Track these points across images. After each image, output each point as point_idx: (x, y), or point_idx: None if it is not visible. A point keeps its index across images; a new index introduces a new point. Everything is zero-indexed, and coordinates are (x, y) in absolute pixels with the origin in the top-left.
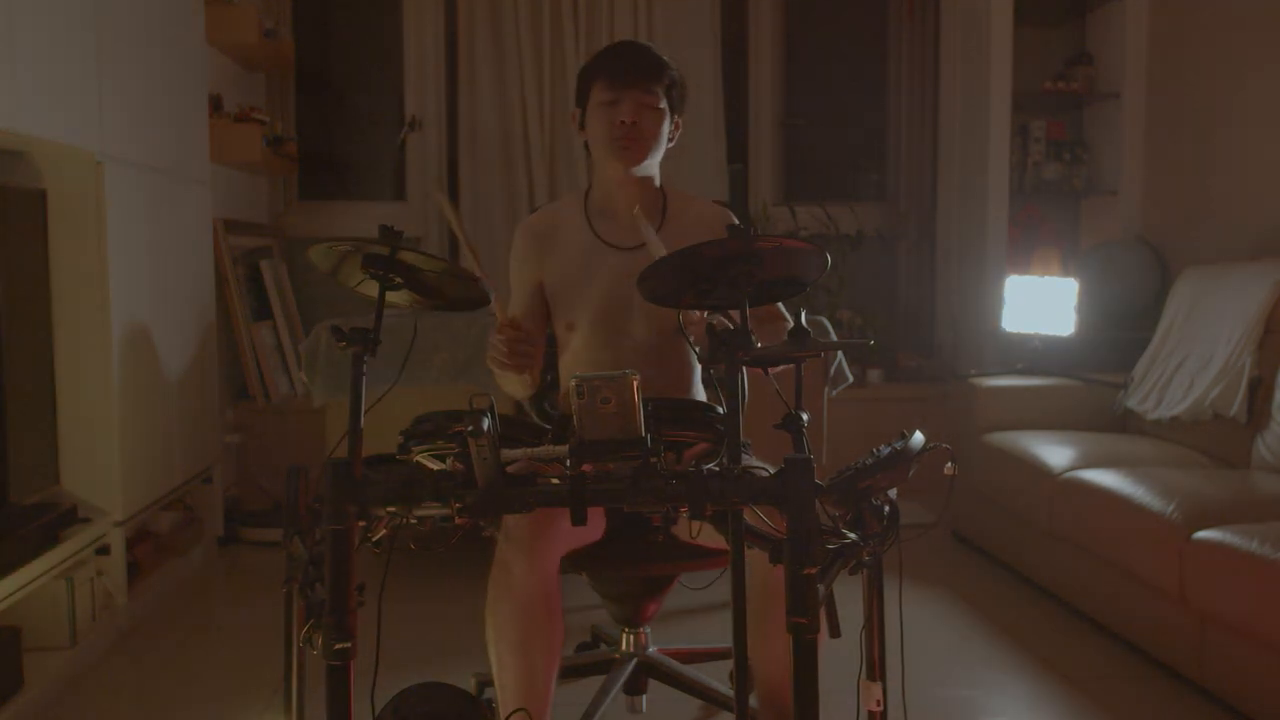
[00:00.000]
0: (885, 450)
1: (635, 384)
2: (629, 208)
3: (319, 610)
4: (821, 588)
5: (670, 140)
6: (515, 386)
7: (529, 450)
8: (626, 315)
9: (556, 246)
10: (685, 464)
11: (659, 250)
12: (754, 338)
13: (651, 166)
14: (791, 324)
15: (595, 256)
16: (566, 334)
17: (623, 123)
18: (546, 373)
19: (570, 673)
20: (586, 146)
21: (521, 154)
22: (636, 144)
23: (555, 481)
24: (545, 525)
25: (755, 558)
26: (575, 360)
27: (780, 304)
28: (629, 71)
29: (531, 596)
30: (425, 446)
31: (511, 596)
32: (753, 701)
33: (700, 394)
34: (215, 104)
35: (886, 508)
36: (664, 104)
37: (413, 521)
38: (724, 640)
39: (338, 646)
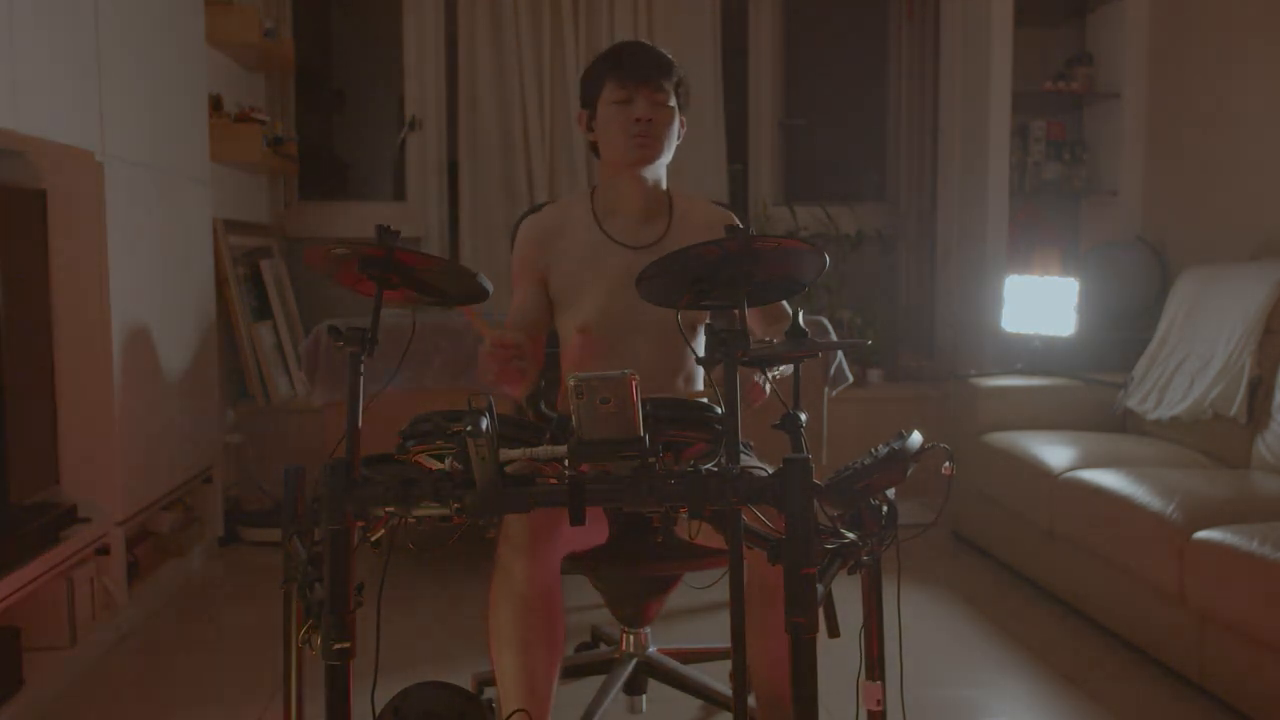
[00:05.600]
0: (883, 450)
1: (634, 384)
2: (638, 206)
3: (318, 610)
4: (820, 587)
5: (678, 137)
6: (511, 390)
7: (528, 450)
8: (639, 314)
9: (564, 246)
10: (684, 464)
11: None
12: (766, 337)
13: (661, 166)
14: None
15: (605, 256)
16: (576, 335)
17: (638, 120)
18: (545, 373)
19: (570, 673)
20: (594, 148)
21: (521, 154)
22: (652, 141)
23: (554, 482)
24: (546, 528)
25: (754, 557)
26: (585, 361)
27: (786, 305)
28: (640, 70)
29: (532, 598)
30: (424, 446)
31: (513, 598)
32: (752, 701)
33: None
34: (215, 104)
35: (884, 507)
36: (673, 102)
37: (411, 522)
38: (723, 640)
39: (337, 646)
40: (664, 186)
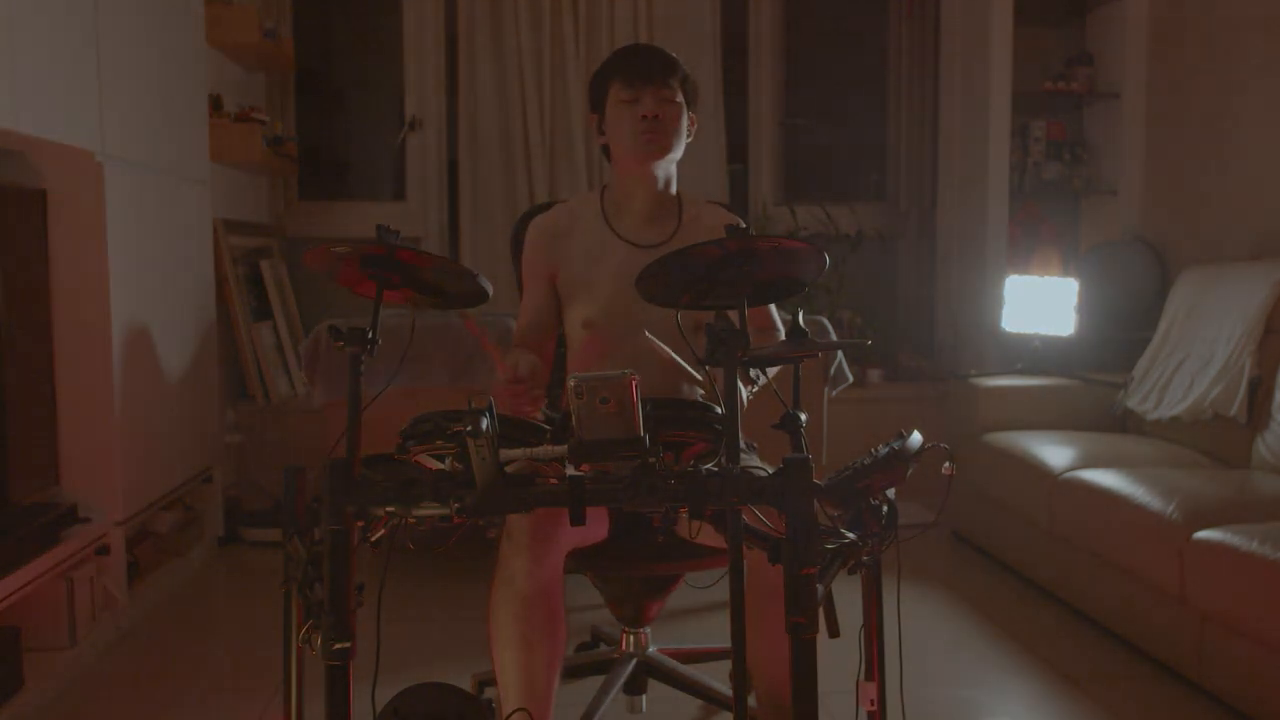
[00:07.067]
0: (883, 450)
1: (634, 384)
2: (647, 206)
3: (318, 610)
4: (820, 587)
5: (688, 136)
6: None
7: (528, 450)
8: (645, 312)
9: (572, 244)
10: (684, 464)
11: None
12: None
13: (671, 165)
14: (784, 334)
15: (612, 253)
16: (582, 331)
17: (645, 117)
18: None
19: (570, 673)
20: (606, 151)
21: (521, 154)
22: (661, 136)
23: (554, 482)
24: (548, 526)
25: (754, 557)
26: (590, 357)
27: (775, 315)
28: (646, 68)
29: (534, 597)
30: (424, 446)
31: (514, 597)
32: (752, 701)
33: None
34: (215, 104)
35: (885, 508)
36: (681, 98)
37: (411, 522)
38: (724, 640)
39: (337, 646)
40: (674, 188)
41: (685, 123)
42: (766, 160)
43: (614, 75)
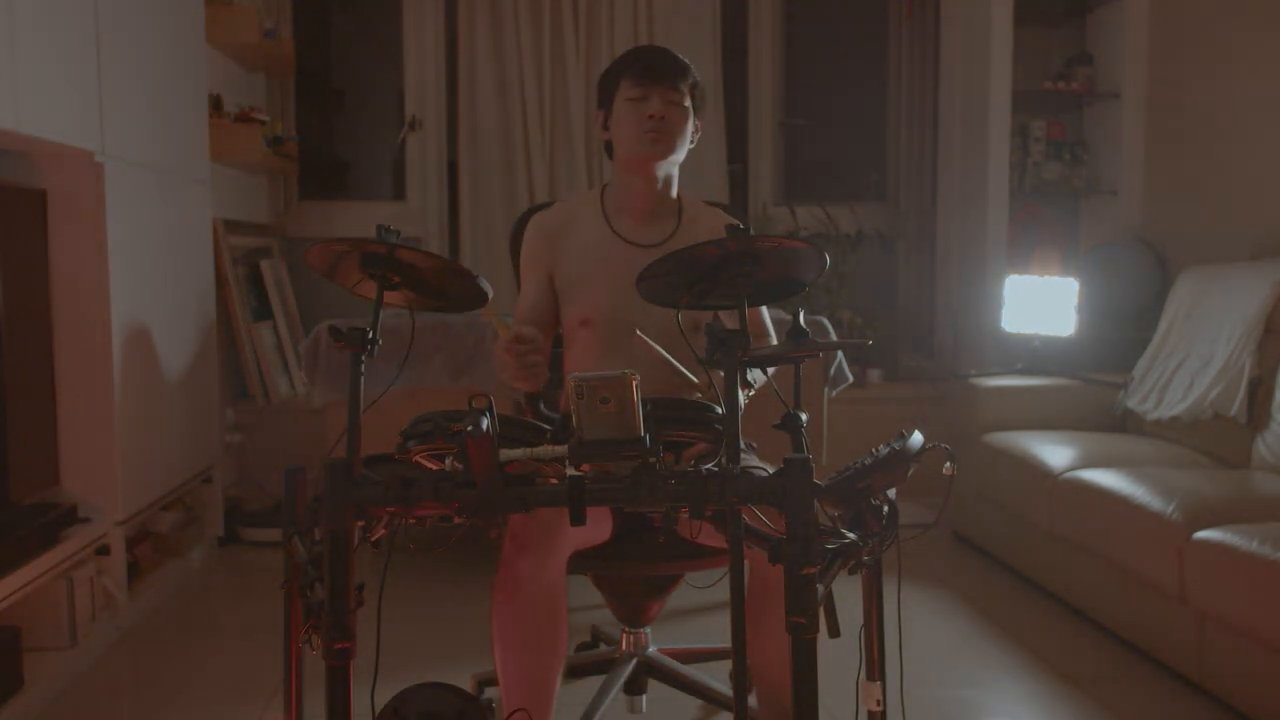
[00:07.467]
0: (884, 450)
1: (634, 384)
2: (647, 205)
3: (319, 610)
4: (820, 587)
5: (692, 142)
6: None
7: (528, 450)
8: (642, 311)
9: (571, 241)
10: (684, 464)
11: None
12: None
13: (674, 165)
14: (775, 340)
15: (611, 252)
16: (580, 329)
17: (651, 116)
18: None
19: (570, 673)
20: (608, 149)
21: (521, 154)
22: (665, 136)
23: (555, 482)
24: (552, 527)
25: (755, 557)
26: (587, 356)
27: (768, 321)
28: (656, 69)
29: (537, 599)
30: (424, 446)
31: (517, 598)
32: (752, 701)
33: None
34: (215, 104)
35: (885, 508)
36: (688, 102)
37: (411, 522)
38: (723, 640)
39: (337, 646)
40: (675, 190)
41: (690, 127)
42: (766, 160)
43: (625, 72)
